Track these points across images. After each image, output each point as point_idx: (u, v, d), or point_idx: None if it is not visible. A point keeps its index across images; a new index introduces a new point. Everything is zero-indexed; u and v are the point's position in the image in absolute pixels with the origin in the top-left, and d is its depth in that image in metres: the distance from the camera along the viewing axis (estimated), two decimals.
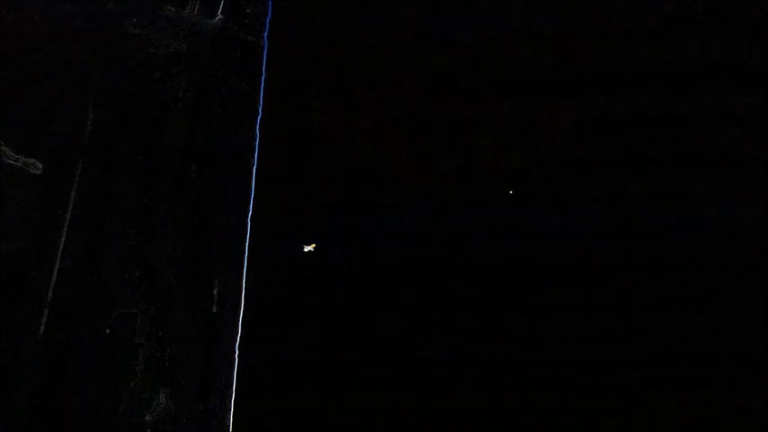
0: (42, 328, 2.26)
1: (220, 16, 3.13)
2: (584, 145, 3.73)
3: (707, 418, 3.32)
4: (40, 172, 2.44)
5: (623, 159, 3.77)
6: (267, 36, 3.26)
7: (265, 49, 3.22)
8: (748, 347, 3.38)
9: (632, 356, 3.42)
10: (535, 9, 3.77)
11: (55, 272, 2.34)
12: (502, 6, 3.77)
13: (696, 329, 3.38)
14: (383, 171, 3.49)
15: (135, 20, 2.86)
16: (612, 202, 3.62)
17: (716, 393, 3.31)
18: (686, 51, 3.76)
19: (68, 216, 2.42)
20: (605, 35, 3.83)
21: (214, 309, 2.54)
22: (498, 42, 3.70)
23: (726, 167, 3.64)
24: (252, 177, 2.92)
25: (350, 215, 3.35)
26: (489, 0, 3.77)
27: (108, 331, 2.33)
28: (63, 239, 2.39)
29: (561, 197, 3.62)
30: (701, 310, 3.41)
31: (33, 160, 2.48)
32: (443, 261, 3.48)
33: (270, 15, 3.28)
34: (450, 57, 3.64)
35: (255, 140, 3.03)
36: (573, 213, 3.57)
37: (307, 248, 3.28)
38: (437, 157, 3.50)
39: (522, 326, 3.32)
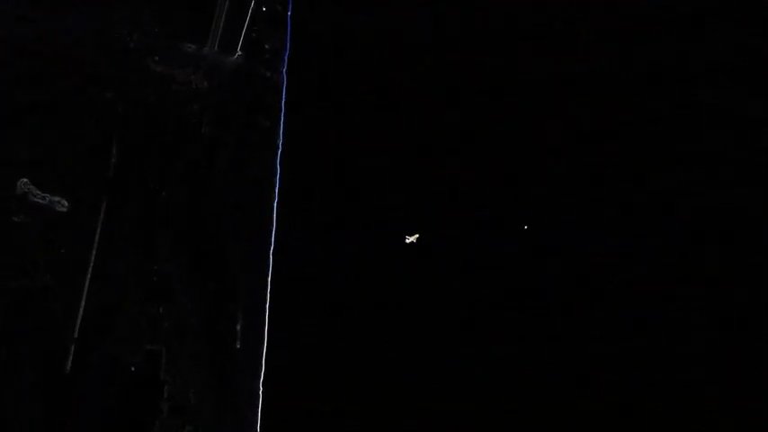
0: (69, 364, 2.27)
1: (240, 53, 3.17)
2: (585, 145, 3.73)
3: (707, 418, 3.27)
4: (65, 210, 2.46)
5: (623, 160, 3.76)
6: (286, 71, 3.29)
7: (284, 84, 3.25)
8: (748, 347, 3.35)
9: (632, 356, 3.40)
10: (537, 9, 3.79)
11: (81, 309, 2.35)
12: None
13: (696, 329, 3.36)
14: (402, 202, 3.50)
15: (157, 57, 2.89)
16: (613, 203, 3.61)
17: (716, 393, 3.27)
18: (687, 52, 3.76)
19: (94, 252, 2.43)
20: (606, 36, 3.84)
21: (238, 345, 2.54)
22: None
23: (725, 167, 3.62)
24: (273, 212, 2.94)
25: (373, 249, 3.36)
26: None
27: (133, 368, 2.33)
28: (89, 276, 2.40)
29: (564, 199, 3.62)
30: (701, 310, 3.38)
31: (59, 198, 2.50)
32: (461, 263, 3.47)
33: (288, 51, 3.31)
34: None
35: (276, 175, 3.05)
36: (573, 214, 3.57)
37: (410, 239, 3.27)
38: (448, 172, 3.52)
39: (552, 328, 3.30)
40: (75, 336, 2.33)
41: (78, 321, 2.35)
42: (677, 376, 3.30)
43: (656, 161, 3.66)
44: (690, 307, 3.41)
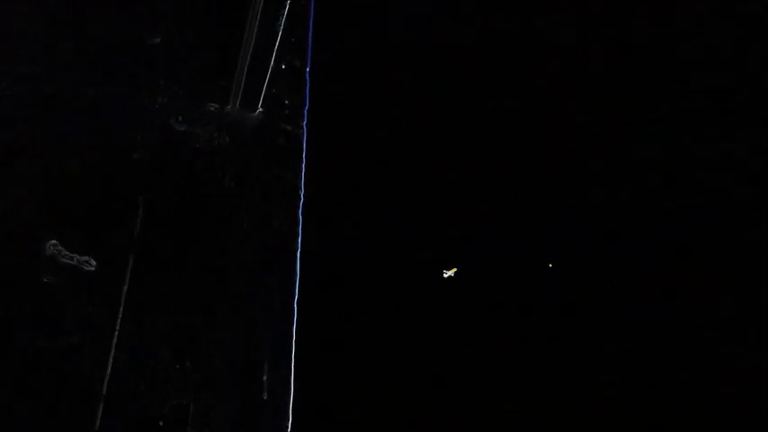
0: (98, 422, 2.30)
1: (261, 109, 3.25)
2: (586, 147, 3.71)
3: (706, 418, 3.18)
4: (93, 269, 2.52)
5: (622, 161, 3.74)
6: (306, 124, 3.36)
7: (305, 137, 3.32)
8: (748, 347, 3.27)
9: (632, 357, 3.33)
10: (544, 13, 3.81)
11: (109, 366, 2.39)
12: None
13: (695, 330, 3.29)
14: (423, 248, 3.52)
15: (180, 117, 2.98)
16: (614, 202, 3.58)
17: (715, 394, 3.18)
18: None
19: (121, 311, 2.48)
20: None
21: (264, 396, 2.56)
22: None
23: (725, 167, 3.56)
24: (297, 261, 2.97)
25: (397, 297, 3.37)
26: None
27: (161, 423, 2.36)
28: (116, 334, 2.45)
29: (567, 198, 3.60)
30: (701, 311, 3.31)
31: (87, 258, 2.57)
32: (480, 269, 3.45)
33: (308, 105, 3.40)
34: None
35: (299, 225, 3.09)
36: (573, 214, 3.54)
37: (447, 274, 3.29)
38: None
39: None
40: (104, 393, 2.37)
41: (107, 379, 2.40)
42: (677, 376, 3.24)
43: (657, 161, 3.64)
44: (689, 307, 3.35)
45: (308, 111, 3.43)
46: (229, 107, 3.04)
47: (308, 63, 3.48)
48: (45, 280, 2.42)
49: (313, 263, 2.99)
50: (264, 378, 2.54)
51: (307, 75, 3.47)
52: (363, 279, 3.30)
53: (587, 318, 3.41)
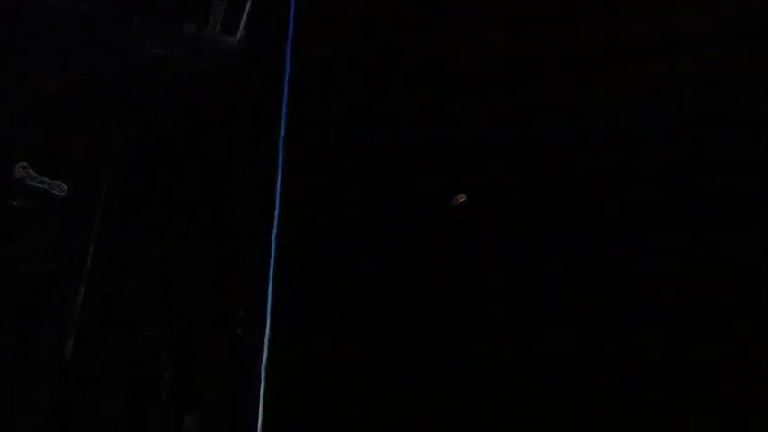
0: (69, 351, 2.25)
1: (242, 32, 3.11)
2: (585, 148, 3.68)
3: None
4: (64, 194, 2.43)
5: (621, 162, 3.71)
6: (290, 52, 3.23)
7: (287, 66, 3.19)
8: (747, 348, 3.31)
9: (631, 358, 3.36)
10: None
11: (81, 295, 2.33)
12: None
13: (695, 331, 3.33)
14: (408, 184, 3.46)
15: (156, 40, 2.85)
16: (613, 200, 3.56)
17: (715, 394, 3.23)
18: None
19: (93, 238, 2.41)
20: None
21: (239, 330, 2.52)
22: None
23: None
24: (276, 196, 2.89)
25: (377, 231, 3.33)
26: None
27: (133, 354, 2.32)
28: (88, 262, 2.38)
29: (563, 199, 3.58)
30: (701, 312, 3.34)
31: (58, 182, 2.48)
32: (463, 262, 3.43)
33: (292, 31, 3.25)
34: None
35: (278, 158, 3.00)
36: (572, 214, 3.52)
37: (457, 201, 3.22)
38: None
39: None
40: (75, 322, 2.31)
41: (77, 308, 2.33)
42: (677, 377, 3.27)
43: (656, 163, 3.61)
44: (690, 307, 3.37)
45: (292, 38, 3.30)
46: (208, 29, 2.90)
47: None
48: (15, 204, 2.33)
49: (292, 200, 2.92)
50: (240, 312, 2.49)
51: (292, 0, 3.32)
52: (343, 215, 3.25)
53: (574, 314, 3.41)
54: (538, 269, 3.36)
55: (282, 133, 3.00)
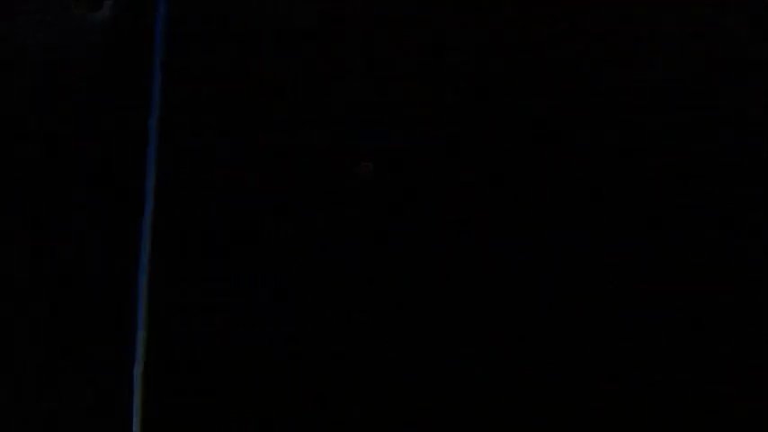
0: None
1: (106, 9, 2.94)
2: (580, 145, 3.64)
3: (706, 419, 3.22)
4: None
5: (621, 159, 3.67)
6: (161, 29, 3.03)
7: (157, 42, 2.99)
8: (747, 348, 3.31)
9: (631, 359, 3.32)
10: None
11: None
12: None
13: (695, 332, 3.30)
14: (286, 169, 3.29)
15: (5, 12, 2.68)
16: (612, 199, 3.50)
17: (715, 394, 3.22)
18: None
19: None
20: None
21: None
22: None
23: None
24: (148, 190, 2.74)
25: (254, 223, 3.14)
26: None
27: None
28: None
29: (558, 197, 3.49)
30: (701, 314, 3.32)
31: None
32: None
33: (165, 5, 3.05)
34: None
35: (150, 141, 2.82)
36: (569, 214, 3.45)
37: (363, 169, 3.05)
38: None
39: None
40: None
41: None
42: (677, 377, 3.26)
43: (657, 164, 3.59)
44: (689, 308, 3.36)
45: (164, 14, 3.10)
46: (70, 1, 2.70)
47: None
48: None
49: (164, 179, 2.72)
50: None
51: None
52: (219, 201, 3.04)
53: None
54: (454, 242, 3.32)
55: (154, 115, 2.78)
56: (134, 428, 2.49)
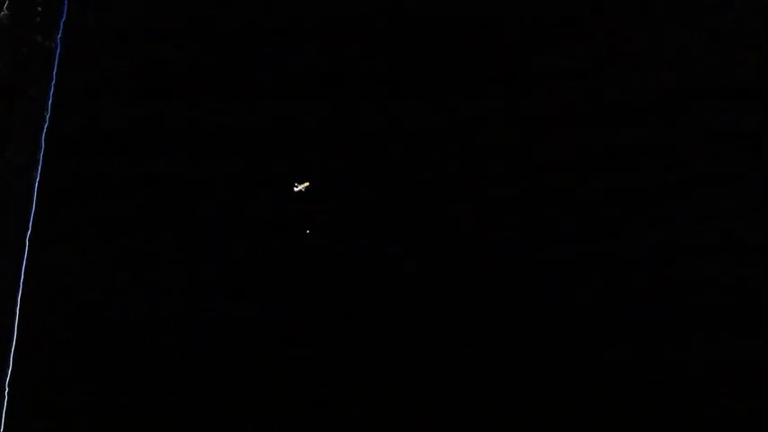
0: None
1: (6, 12, 2.86)
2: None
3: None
4: None
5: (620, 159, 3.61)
6: (61, 38, 2.98)
7: (58, 52, 2.95)
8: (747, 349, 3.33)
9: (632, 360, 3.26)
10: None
11: None
12: None
13: (695, 334, 3.34)
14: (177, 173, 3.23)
15: None
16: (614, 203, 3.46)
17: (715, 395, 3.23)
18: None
19: None
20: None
21: None
22: None
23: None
24: (34, 194, 2.66)
25: (140, 236, 3.11)
26: None
27: None
28: None
29: (558, 199, 3.48)
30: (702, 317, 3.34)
31: None
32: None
33: (65, 17, 3.01)
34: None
35: (40, 152, 2.77)
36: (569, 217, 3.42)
37: (298, 187, 3.02)
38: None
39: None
40: None
41: None
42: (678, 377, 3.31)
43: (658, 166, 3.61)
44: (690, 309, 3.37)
45: (64, 23, 3.06)
46: None
47: None
48: None
49: (53, 197, 2.67)
50: None
51: None
52: (104, 220, 3.00)
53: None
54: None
55: (47, 124, 2.76)
56: None
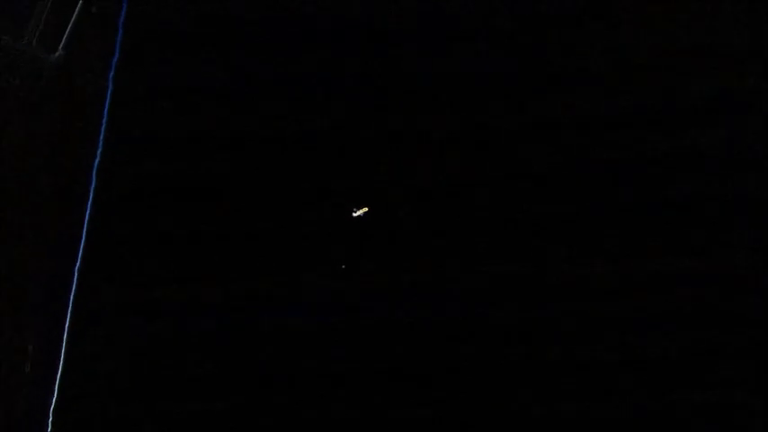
0: None
1: (61, 52, 2.96)
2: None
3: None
4: None
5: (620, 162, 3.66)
6: (112, 77, 3.07)
7: (110, 90, 3.03)
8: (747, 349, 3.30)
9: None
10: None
11: None
12: None
13: (696, 337, 3.32)
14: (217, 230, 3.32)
15: None
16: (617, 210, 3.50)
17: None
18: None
19: None
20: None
21: (27, 369, 2.29)
22: None
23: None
24: (86, 217, 2.72)
25: (181, 281, 3.16)
26: None
27: None
28: None
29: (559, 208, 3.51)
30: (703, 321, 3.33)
31: None
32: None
33: (117, 56, 3.11)
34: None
35: (91, 185, 2.83)
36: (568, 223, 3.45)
37: (357, 212, 3.07)
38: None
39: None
40: None
41: None
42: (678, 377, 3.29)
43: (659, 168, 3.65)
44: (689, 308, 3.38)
45: (116, 63, 3.15)
46: (24, 43, 2.72)
47: (123, 11, 3.19)
48: None
49: (104, 230, 2.72)
50: (30, 348, 2.28)
51: (120, 24, 3.18)
52: (153, 258, 3.05)
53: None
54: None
55: (98, 159, 2.83)
56: None
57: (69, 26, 2.96)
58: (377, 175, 3.56)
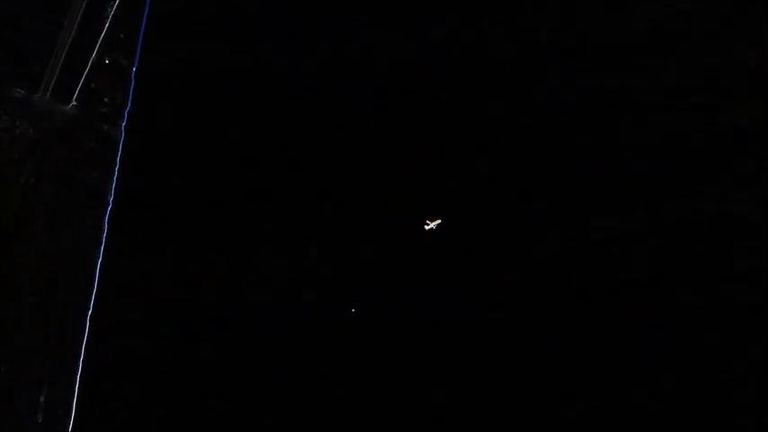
0: None
1: (75, 103, 3.03)
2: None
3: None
4: None
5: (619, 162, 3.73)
6: (125, 126, 3.13)
7: (121, 140, 3.08)
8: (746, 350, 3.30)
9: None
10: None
11: None
12: None
13: (696, 337, 3.33)
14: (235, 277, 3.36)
15: None
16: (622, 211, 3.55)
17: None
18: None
19: None
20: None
21: (39, 419, 2.30)
22: None
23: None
24: (96, 273, 2.75)
25: (197, 323, 3.18)
26: None
27: None
28: None
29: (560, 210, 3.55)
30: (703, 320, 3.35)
31: None
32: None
33: (129, 106, 3.16)
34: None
35: (103, 233, 2.86)
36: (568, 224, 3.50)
37: (430, 225, 3.07)
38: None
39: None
40: None
41: None
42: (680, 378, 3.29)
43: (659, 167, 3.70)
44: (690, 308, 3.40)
45: (128, 112, 3.21)
46: (39, 95, 2.79)
47: (136, 61, 3.27)
48: None
49: (116, 276, 2.75)
50: (42, 399, 2.28)
51: (132, 74, 3.26)
52: (167, 298, 3.08)
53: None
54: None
55: (110, 207, 2.86)
56: None
57: (82, 78, 3.02)
58: (377, 175, 3.61)
